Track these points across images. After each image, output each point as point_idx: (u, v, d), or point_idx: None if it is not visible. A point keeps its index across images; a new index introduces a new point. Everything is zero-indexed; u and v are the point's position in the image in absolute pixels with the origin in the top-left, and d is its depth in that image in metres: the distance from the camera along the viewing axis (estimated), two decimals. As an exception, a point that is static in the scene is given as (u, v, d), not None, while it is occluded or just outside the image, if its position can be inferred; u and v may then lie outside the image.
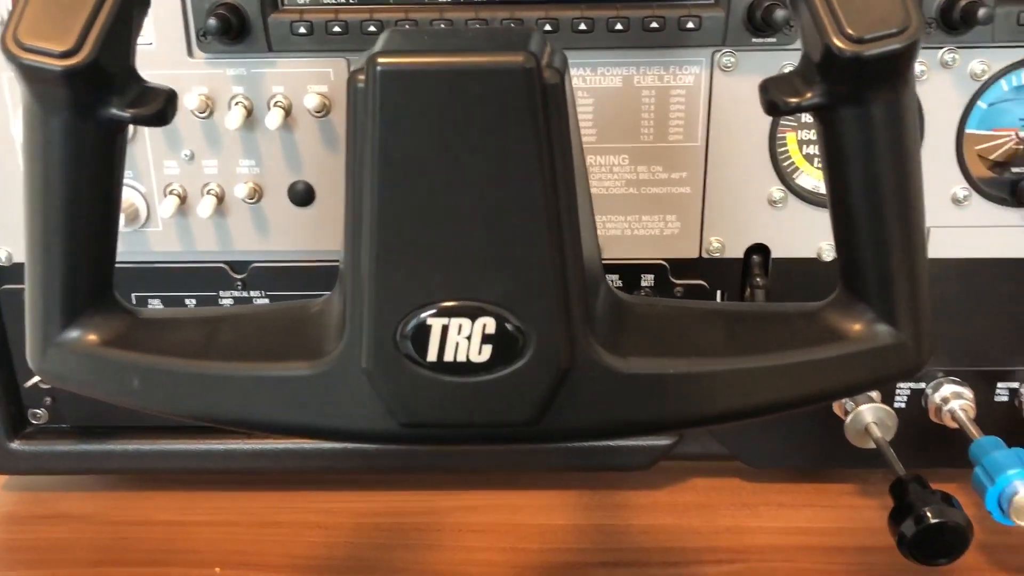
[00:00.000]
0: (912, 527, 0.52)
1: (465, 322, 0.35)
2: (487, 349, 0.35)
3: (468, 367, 0.35)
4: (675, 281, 0.65)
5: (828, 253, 0.64)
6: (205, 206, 0.61)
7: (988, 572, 0.62)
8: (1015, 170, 0.63)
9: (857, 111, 0.34)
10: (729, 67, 0.59)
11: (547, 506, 0.69)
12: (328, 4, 0.59)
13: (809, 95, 0.34)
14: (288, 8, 0.59)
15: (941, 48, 0.59)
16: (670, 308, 0.39)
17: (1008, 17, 0.57)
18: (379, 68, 0.32)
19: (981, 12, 0.54)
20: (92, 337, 0.38)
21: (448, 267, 0.34)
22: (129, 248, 0.64)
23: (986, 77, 0.59)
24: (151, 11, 0.58)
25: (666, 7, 0.57)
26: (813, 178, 0.63)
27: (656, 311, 0.38)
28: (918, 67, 0.59)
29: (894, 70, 0.33)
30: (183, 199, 0.63)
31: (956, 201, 0.62)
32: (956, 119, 0.61)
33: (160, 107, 0.35)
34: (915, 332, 0.37)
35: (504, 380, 0.35)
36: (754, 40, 0.58)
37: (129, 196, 0.62)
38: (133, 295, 0.66)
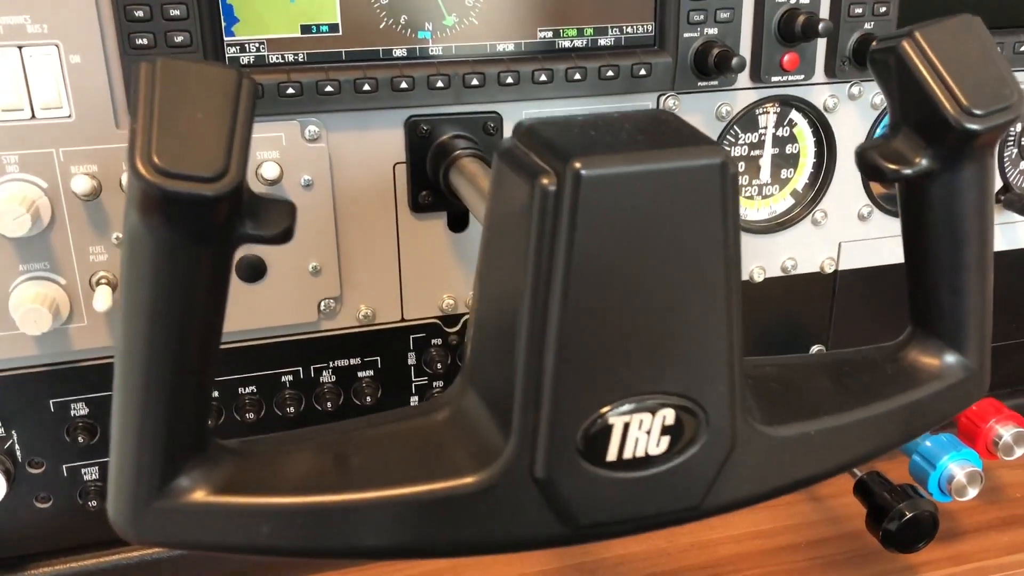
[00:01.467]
0: (896, 524, 0.57)
1: (646, 416, 0.34)
2: (664, 440, 0.34)
3: (645, 461, 0.35)
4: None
5: (758, 275, 0.68)
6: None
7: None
8: (904, 185, 0.70)
9: (958, 174, 0.37)
10: (673, 109, 0.61)
11: (518, 555, 0.68)
12: (277, 64, 0.54)
13: (918, 161, 0.37)
14: (233, 71, 0.53)
15: (849, 83, 0.64)
16: (781, 369, 0.40)
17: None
18: (583, 174, 0.30)
19: (898, 52, 0.60)
20: (202, 489, 0.33)
21: (633, 365, 0.33)
22: (47, 350, 0.56)
23: (884, 106, 0.66)
24: (69, 80, 0.51)
25: (619, 56, 0.59)
26: (743, 207, 0.67)
27: (770, 373, 0.39)
28: (831, 100, 0.65)
29: (995, 138, 0.36)
30: (115, 287, 0.55)
31: (862, 217, 0.69)
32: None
33: (287, 224, 0.31)
34: (983, 362, 0.41)
35: (678, 468, 0.35)
36: (699, 84, 0.61)
37: (47, 291, 0.54)
38: (52, 402, 0.58)
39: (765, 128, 0.65)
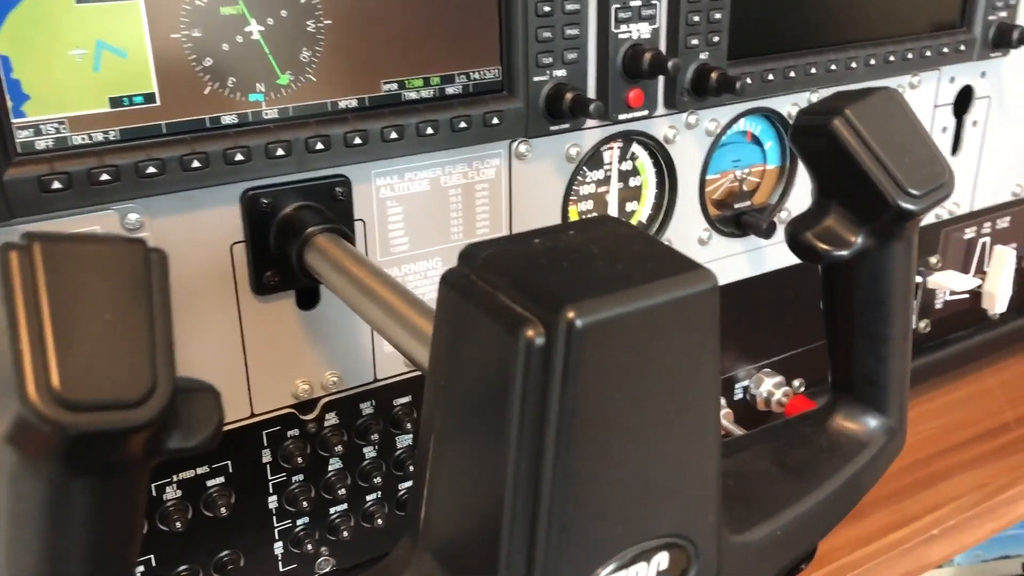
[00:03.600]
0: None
1: (642, 567, 0.31)
2: (663, 587, 0.31)
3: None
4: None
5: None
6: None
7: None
8: (736, 205, 0.71)
9: (888, 251, 0.36)
10: (525, 155, 0.58)
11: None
12: (84, 146, 0.45)
13: (854, 241, 0.36)
14: (28, 158, 0.44)
15: (685, 112, 0.64)
16: (726, 461, 0.38)
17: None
18: (577, 325, 0.26)
19: (738, 84, 0.60)
20: None
21: (630, 516, 0.30)
22: None
23: (717, 131, 0.66)
24: None
25: (469, 105, 0.54)
26: (593, 244, 0.65)
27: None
28: (671, 131, 0.64)
29: (926, 213, 0.36)
30: None
31: (701, 242, 0.69)
32: (698, 170, 0.67)
33: (216, 420, 0.24)
34: (903, 419, 0.41)
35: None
36: (551, 128, 0.58)
37: None
38: None
39: (610, 164, 0.64)
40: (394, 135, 0.52)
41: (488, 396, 0.28)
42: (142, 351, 0.22)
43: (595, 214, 0.64)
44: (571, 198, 0.62)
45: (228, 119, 0.48)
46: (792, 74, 0.66)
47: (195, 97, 0.47)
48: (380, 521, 0.61)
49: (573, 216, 0.63)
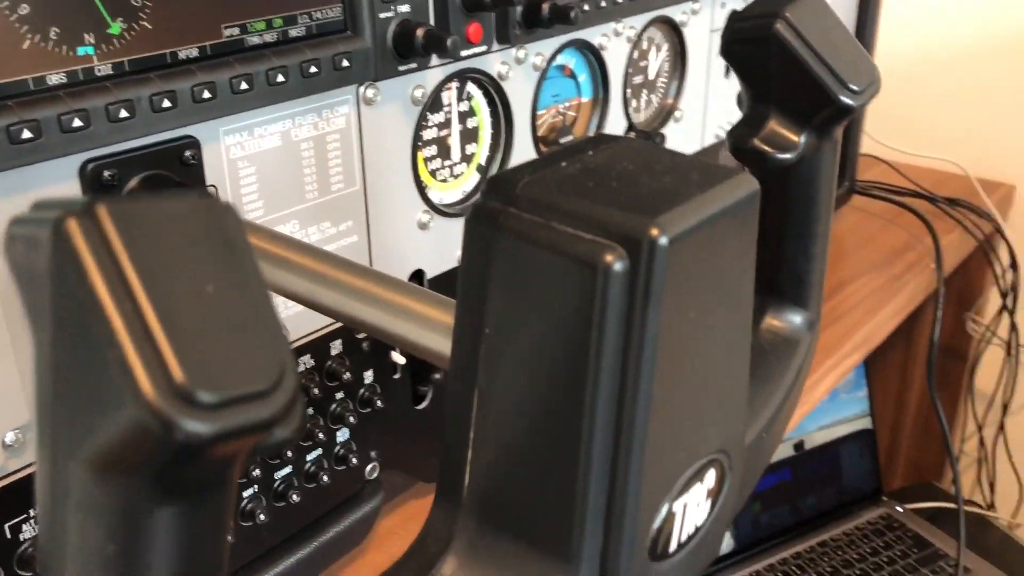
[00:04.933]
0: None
1: (698, 487, 0.29)
2: (707, 504, 0.30)
3: (694, 533, 0.30)
4: (360, 337, 0.59)
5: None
6: None
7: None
8: (561, 140, 0.71)
9: (820, 152, 0.37)
10: (373, 99, 0.54)
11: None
12: None
13: (798, 142, 0.36)
14: None
15: (516, 47, 0.63)
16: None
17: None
18: (662, 240, 0.24)
19: (572, 13, 0.59)
20: None
21: (693, 437, 0.28)
22: None
23: (543, 65, 0.66)
24: None
25: (316, 48, 0.50)
26: (439, 191, 0.63)
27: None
28: (503, 68, 0.63)
29: (863, 108, 0.37)
30: None
31: (536, 178, 0.69)
32: (529, 107, 0.66)
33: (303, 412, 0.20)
34: (819, 312, 0.43)
35: (713, 524, 0.31)
36: (399, 68, 0.54)
37: None
38: None
39: (449, 106, 0.61)
40: (244, 85, 0.46)
41: (554, 337, 0.25)
42: (262, 328, 0.17)
43: (438, 160, 0.62)
44: (418, 144, 0.59)
45: (56, 78, 0.41)
46: (603, 4, 0.67)
47: (13, 54, 0.39)
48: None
49: (421, 163, 0.60)
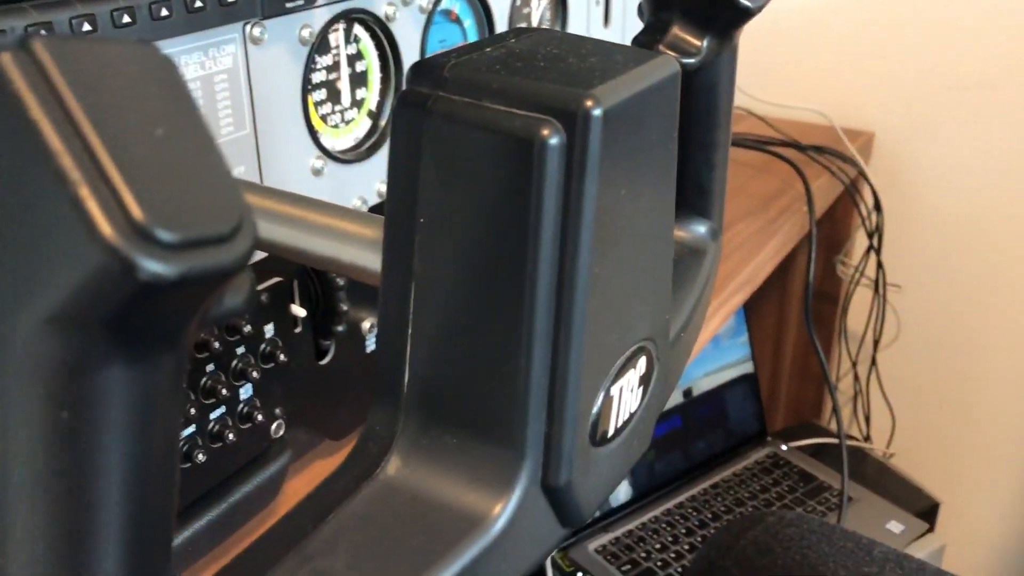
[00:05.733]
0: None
1: (631, 373, 0.30)
2: (639, 391, 0.31)
3: (628, 420, 0.30)
4: (259, 288, 0.57)
5: (360, 205, 0.64)
6: None
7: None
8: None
9: (720, 59, 0.38)
10: (260, 38, 0.53)
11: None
12: None
13: (701, 46, 0.37)
14: None
15: None
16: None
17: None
18: (596, 112, 0.24)
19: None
20: None
21: (628, 322, 0.29)
22: None
23: (430, 7, 0.65)
24: None
25: (199, -20, 0.48)
26: (331, 137, 0.61)
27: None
28: (390, 8, 0.62)
29: (759, 12, 0.38)
30: None
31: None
32: (417, 51, 0.65)
33: (251, 285, 0.19)
34: (722, 221, 0.45)
35: (644, 411, 0.32)
36: (287, 5, 0.53)
37: None
38: None
39: (337, 48, 0.60)
40: (127, 19, 0.44)
41: (491, 219, 0.25)
42: (217, 175, 0.16)
43: (329, 104, 0.60)
44: (307, 87, 0.58)
45: (-84, 5, 0.37)
46: (486, -54, 0.66)
47: None
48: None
49: (312, 109, 0.58)
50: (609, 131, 0.25)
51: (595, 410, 0.28)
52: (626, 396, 0.30)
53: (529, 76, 0.25)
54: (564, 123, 0.24)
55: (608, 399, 0.29)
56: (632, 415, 0.31)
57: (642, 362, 0.31)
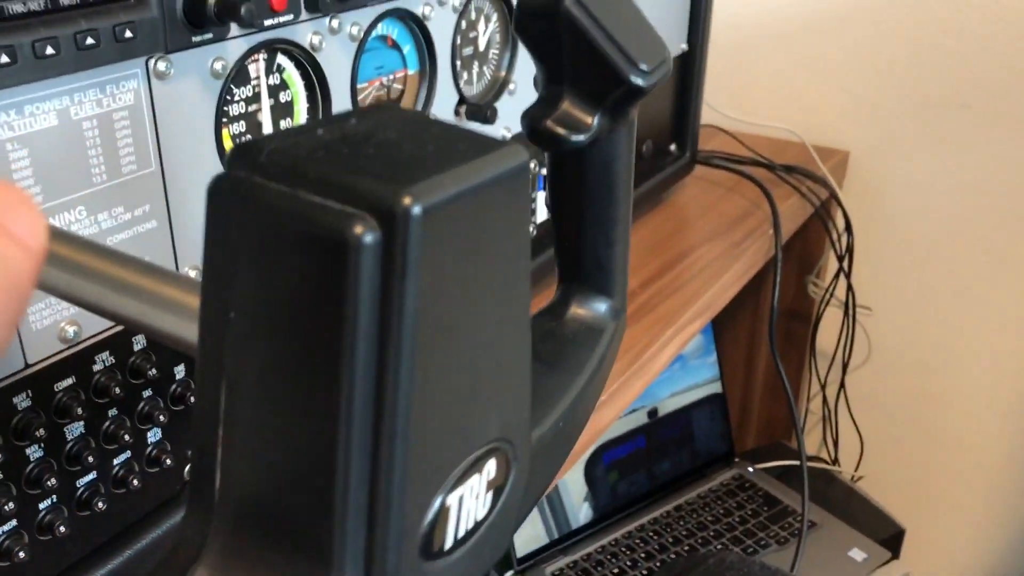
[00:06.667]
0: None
1: (476, 478, 0.28)
2: (488, 497, 0.29)
3: (475, 528, 0.29)
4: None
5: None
6: None
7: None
8: (386, 114, 0.69)
9: (616, 134, 0.36)
10: (166, 73, 0.51)
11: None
12: None
13: (591, 124, 0.35)
14: None
15: (328, 16, 0.60)
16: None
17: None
18: (416, 209, 0.22)
19: (384, -20, 0.57)
20: None
21: (467, 424, 0.27)
22: None
23: (360, 35, 0.63)
24: None
25: (93, 17, 0.46)
26: (251, 170, 0.59)
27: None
28: (316, 38, 0.60)
29: (653, 88, 0.36)
30: None
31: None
32: (348, 79, 0.63)
33: None
34: (624, 301, 0.43)
35: (497, 518, 0.30)
36: (193, 39, 0.51)
37: None
38: None
39: (257, 79, 0.58)
40: (5, 59, 0.42)
41: (303, 319, 0.23)
42: None
43: (248, 137, 0.58)
44: (223, 120, 0.56)
45: None
46: (423, -29, 0.64)
47: None
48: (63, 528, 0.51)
49: (227, 139, 0.56)
50: (432, 228, 0.23)
51: (427, 521, 0.26)
52: (469, 504, 0.28)
53: (351, 165, 0.23)
54: (380, 220, 0.22)
55: (444, 509, 0.27)
56: (480, 523, 0.29)
57: (490, 466, 0.29)
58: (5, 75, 0.42)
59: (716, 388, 1.40)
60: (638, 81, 0.35)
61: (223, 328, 0.24)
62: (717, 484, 1.37)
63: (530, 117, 0.36)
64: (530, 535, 1.22)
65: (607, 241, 0.40)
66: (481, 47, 0.78)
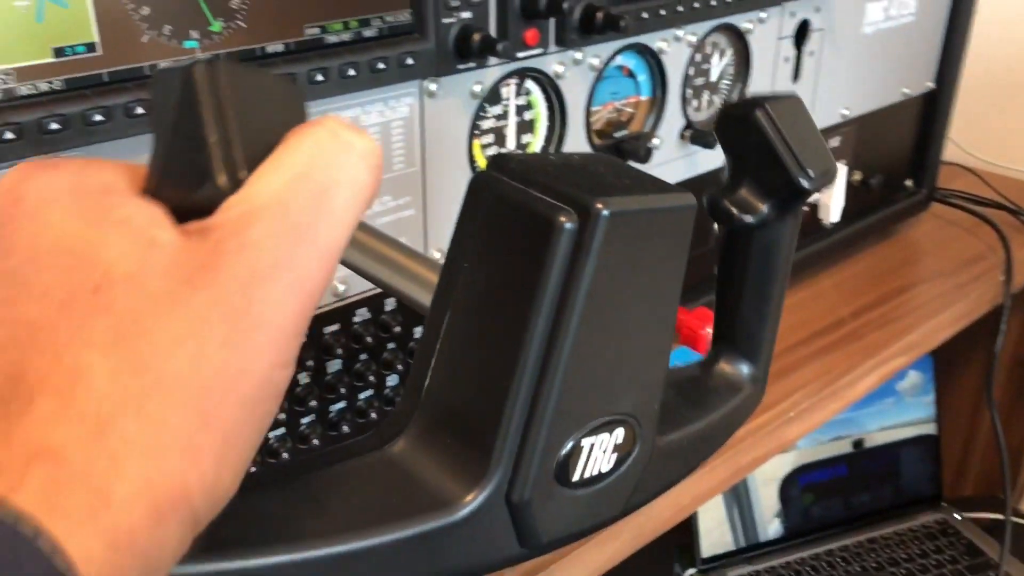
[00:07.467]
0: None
1: (605, 436, 0.37)
2: (613, 457, 0.38)
3: (597, 478, 0.38)
4: (411, 297, 0.68)
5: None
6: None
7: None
8: (616, 134, 0.78)
9: (782, 222, 0.44)
10: (435, 92, 0.63)
11: None
12: (32, 96, 0.47)
13: (760, 209, 0.43)
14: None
15: (573, 50, 0.70)
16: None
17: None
18: (605, 212, 0.32)
19: (622, 22, 0.66)
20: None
21: (608, 392, 0.36)
22: None
23: (600, 66, 0.73)
24: None
25: (385, 47, 0.58)
26: (494, 174, 0.71)
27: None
28: (560, 67, 0.70)
29: (817, 192, 0.44)
30: None
31: (588, 168, 0.76)
32: (584, 103, 0.73)
33: None
34: (767, 371, 0.50)
35: (616, 480, 0.39)
36: (459, 67, 0.62)
37: None
38: None
39: (507, 99, 0.69)
40: (320, 77, 0.55)
41: (512, 274, 0.33)
42: None
43: (495, 147, 0.70)
44: (475, 132, 0.67)
45: (165, 65, 0.51)
46: (663, 12, 0.73)
47: (134, 45, 0.49)
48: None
49: (477, 149, 0.68)
50: (614, 229, 0.32)
51: (563, 452, 0.36)
52: (597, 454, 0.37)
53: (567, 180, 0.33)
54: (580, 215, 0.32)
55: (578, 448, 0.36)
56: (602, 475, 0.38)
57: (620, 432, 0.37)
58: (318, 90, 0.56)
59: (930, 429, 1.38)
60: (804, 184, 0.42)
61: (458, 273, 0.35)
62: (918, 525, 1.35)
63: (711, 195, 0.44)
64: (718, 539, 1.28)
65: (760, 315, 0.47)
66: (713, 77, 0.85)
